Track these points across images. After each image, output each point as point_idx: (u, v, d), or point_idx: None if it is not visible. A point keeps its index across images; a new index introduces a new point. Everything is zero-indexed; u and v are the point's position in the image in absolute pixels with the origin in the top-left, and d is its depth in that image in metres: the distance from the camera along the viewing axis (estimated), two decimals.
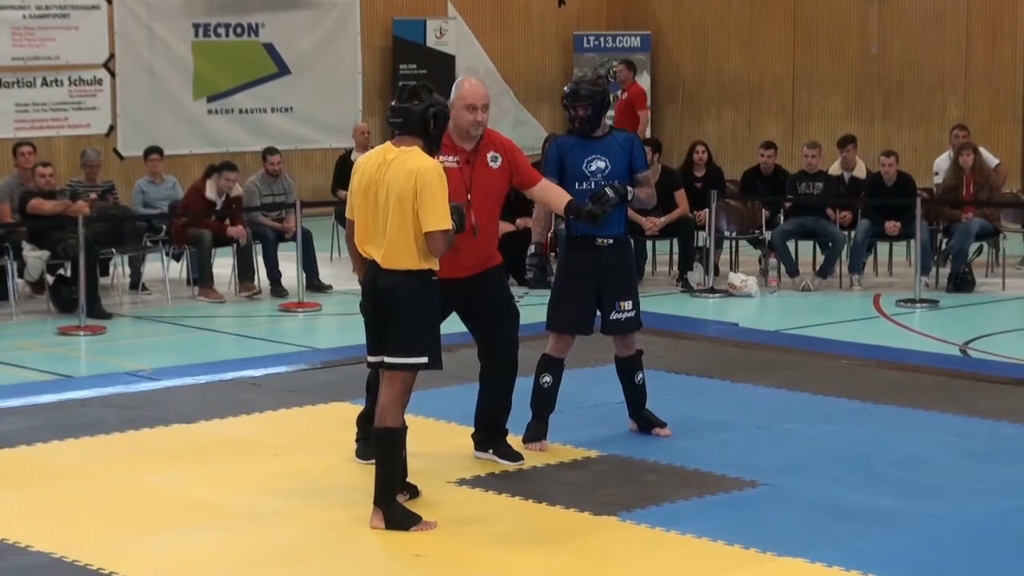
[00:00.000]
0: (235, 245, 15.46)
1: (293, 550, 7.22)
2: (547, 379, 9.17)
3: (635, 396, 9.37)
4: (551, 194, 8.70)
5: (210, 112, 20.11)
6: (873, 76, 20.95)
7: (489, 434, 8.81)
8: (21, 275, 15.07)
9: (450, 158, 8.31)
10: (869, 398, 10.22)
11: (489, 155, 8.50)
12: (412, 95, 7.56)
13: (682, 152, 17.63)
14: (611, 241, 8.98)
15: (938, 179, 16.72)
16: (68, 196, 15.27)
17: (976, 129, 17.31)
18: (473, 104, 8.33)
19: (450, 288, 8.11)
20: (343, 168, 18.13)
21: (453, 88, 8.46)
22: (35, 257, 14.87)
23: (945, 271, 16.16)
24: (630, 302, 9.10)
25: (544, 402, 9.16)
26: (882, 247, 16.87)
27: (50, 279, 15.08)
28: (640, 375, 9.31)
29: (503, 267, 8.93)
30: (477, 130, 8.42)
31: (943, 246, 16.40)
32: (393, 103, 7.57)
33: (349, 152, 18.21)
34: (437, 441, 9.14)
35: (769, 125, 20.91)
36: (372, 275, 7.56)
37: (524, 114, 22.47)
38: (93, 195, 15.68)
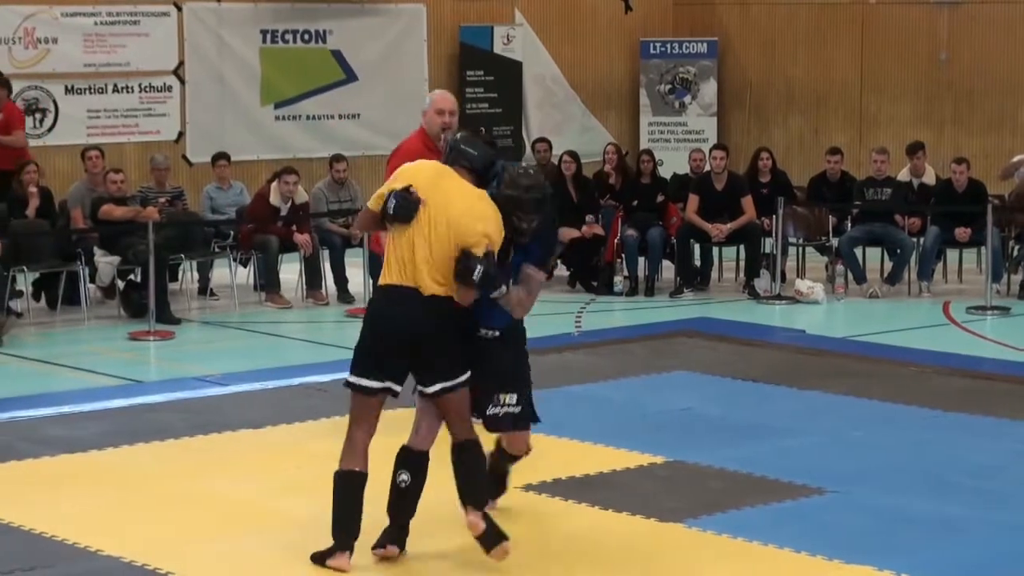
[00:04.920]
0: (301, 253, 15.53)
1: (356, 559, 7.23)
2: (404, 477, 7.26)
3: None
4: None
5: (277, 118, 20.17)
6: (943, 83, 20.83)
7: None
8: (93, 280, 15.19)
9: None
10: (938, 406, 10.17)
11: None
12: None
13: (748, 159, 17.58)
14: (497, 333, 7.41)
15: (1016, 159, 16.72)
16: (138, 202, 15.38)
17: None
18: (441, 109, 9.19)
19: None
20: None
21: (427, 98, 9.45)
22: (106, 262, 14.99)
23: (1016, 278, 16.13)
24: (515, 396, 7.43)
25: (400, 505, 7.30)
26: (951, 254, 16.77)
27: (121, 284, 15.19)
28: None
29: None
30: (446, 134, 8.70)
31: (1014, 253, 16.35)
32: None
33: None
34: None
35: (836, 131, 20.81)
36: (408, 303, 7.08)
37: (591, 120, 22.43)
38: (163, 201, 15.78)
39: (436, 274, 6.95)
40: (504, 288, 7.05)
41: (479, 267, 6.85)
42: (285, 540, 7.46)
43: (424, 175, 7.11)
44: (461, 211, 6.96)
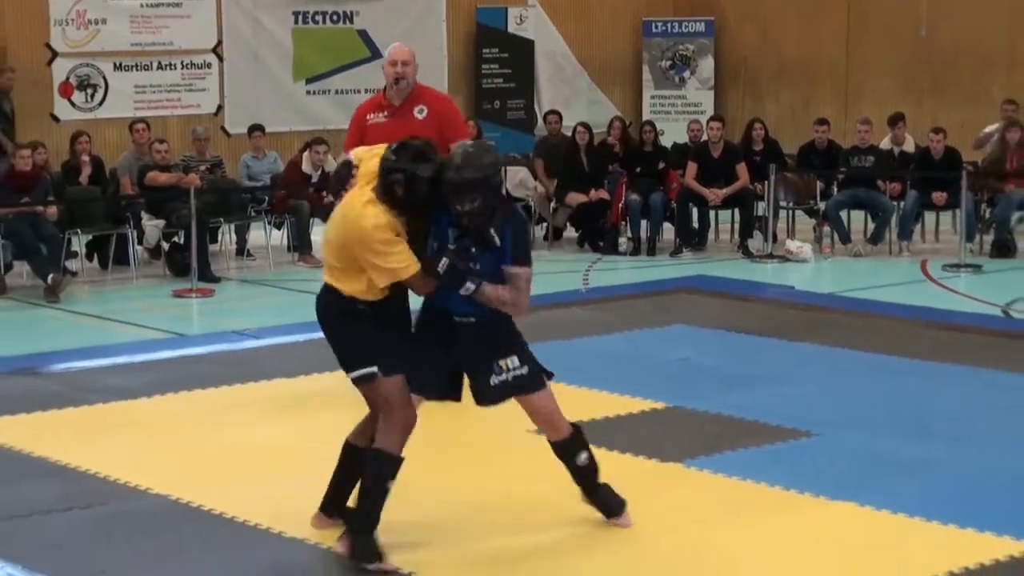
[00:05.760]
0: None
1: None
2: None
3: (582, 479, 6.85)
4: None
5: (308, 93, 20.17)
6: (923, 58, 20.76)
7: None
8: (140, 242, 15.25)
9: (379, 114, 8.77)
10: (916, 355, 10.20)
11: (415, 108, 8.75)
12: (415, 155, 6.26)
13: (742, 129, 17.58)
14: (472, 319, 6.48)
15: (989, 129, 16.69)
16: (181, 170, 15.43)
17: (1022, 106, 17.15)
18: (395, 60, 8.82)
19: None
20: None
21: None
22: (152, 226, 15.05)
23: (988, 238, 16.12)
24: (515, 357, 6.52)
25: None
26: (929, 216, 16.80)
27: (165, 246, 15.24)
28: (583, 455, 6.78)
29: None
30: (400, 84, 8.71)
31: (987, 215, 16.36)
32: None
33: None
34: None
35: (824, 104, 20.75)
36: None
37: (597, 94, 22.40)
38: (203, 168, 15.82)
39: (331, 259, 6.45)
40: (471, 285, 6.24)
41: (445, 260, 6.22)
42: (321, 481, 7.47)
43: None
44: (336, 215, 6.46)
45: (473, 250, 6.30)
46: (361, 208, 6.23)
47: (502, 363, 6.47)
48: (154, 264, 15.35)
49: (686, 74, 22.48)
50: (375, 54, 20.59)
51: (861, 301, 12.90)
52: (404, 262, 6.22)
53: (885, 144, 16.98)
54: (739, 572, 6.25)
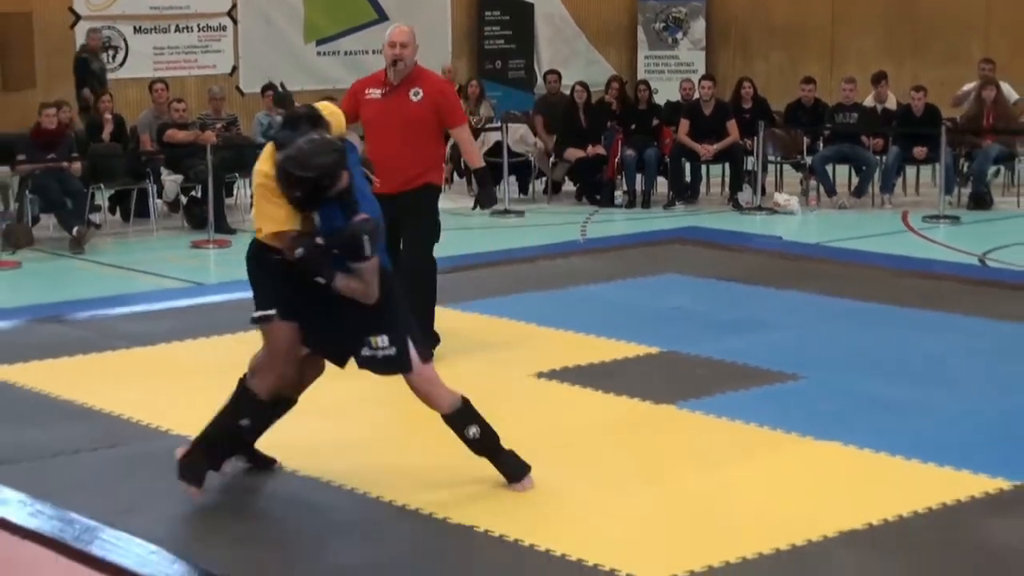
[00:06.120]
0: None
1: (394, 433, 7.25)
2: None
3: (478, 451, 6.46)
4: (466, 146, 8.88)
5: (319, 54, 20.11)
6: (904, 19, 20.72)
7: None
8: (160, 196, 15.24)
9: (376, 90, 8.67)
10: (898, 303, 10.20)
11: (412, 90, 8.62)
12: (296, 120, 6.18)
13: (733, 88, 17.54)
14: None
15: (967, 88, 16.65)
16: (198, 127, 15.41)
17: (998, 66, 17.10)
18: (393, 42, 8.59)
19: (382, 202, 8.28)
20: None
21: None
22: (171, 181, 15.06)
23: (966, 191, 16.12)
24: (386, 337, 6.21)
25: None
26: (910, 170, 16.81)
27: (184, 200, 15.25)
28: (472, 429, 6.40)
29: (431, 188, 8.73)
30: (398, 66, 8.57)
31: (965, 169, 16.35)
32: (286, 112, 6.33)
33: None
34: (521, 339, 9.21)
35: (810, 63, 20.66)
36: None
37: (594, 55, 22.32)
38: (219, 126, 15.79)
39: None
40: (322, 280, 6.04)
41: (301, 249, 5.98)
42: (335, 422, 7.49)
43: None
44: None
45: (335, 252, 6.01)
46: (267, 149, 6.16)
47: (373, 340, 6.17)
48: (173, 217, 15.35)
49: (679, 35, 22.40)
50: (382, 16, 20.55)
51: (845, 251, 12.90)
52: (269, 217, 6.07)
53: (868, 102, 16.96)
54: (729, 508, 6.27)
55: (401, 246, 8.59)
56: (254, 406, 6.33)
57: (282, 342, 6.28)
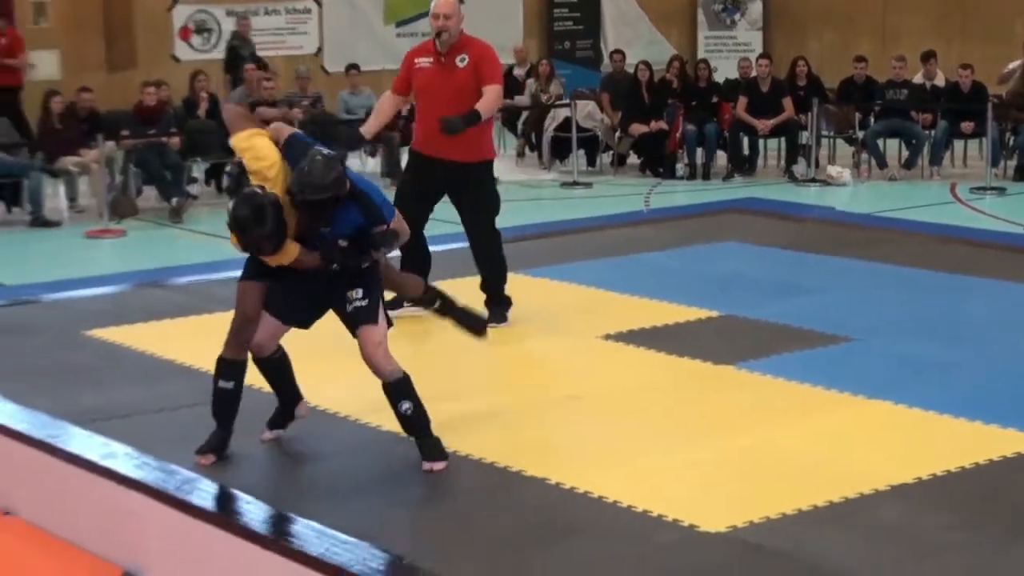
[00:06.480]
0: None
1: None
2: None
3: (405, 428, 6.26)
4: (488, 96, 8.41)
5: (398, 35, 20.14)
6: (953, 0, 20.52)
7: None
8: None
9: (426, 59, 8.56)
10: (946, 269, 10.12)
11: (458, 58, 8.53)
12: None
13: (788, 66, 17.41)
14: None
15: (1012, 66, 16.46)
16: (286, 104, 15.49)
17: None
18: (436, 14, 8.46)
19: (433, 166, 8.37)
20: (507, 81, 18.17)
21: None
22: None
23: (1011, 163, 15.97)
24: (361, 290, 6.12)
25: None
26: (958, 144, 16.66)
27: None
28: (405, 405, 6.14)
29: (484, 161, 8.63)
30: (443, 36, 8.47)
31: (1010, 143, 16.20)
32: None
33: (511, 68, 18.23)
34: (589, 303, 9.21)
35: (862, 42, 20.50)
36: None
37: (656, 35, 22.24)
38: (305, 104, 15.86)
39: None
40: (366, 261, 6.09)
41: (331, 259, 6.06)
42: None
43: None
44: None
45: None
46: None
47: (350, 293, 6.08)
48: None
49: (737, 16, 22.28)
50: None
51: (895, 220, 12.80)
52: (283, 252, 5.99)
53: (918, 79, 16.83)
54: (785, 463, 6.26)
55: (460, 219, 8.64)
56: (221, 365, 6.25)
57: (240, 298, 6.25)
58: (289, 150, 6.11)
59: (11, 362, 8.05)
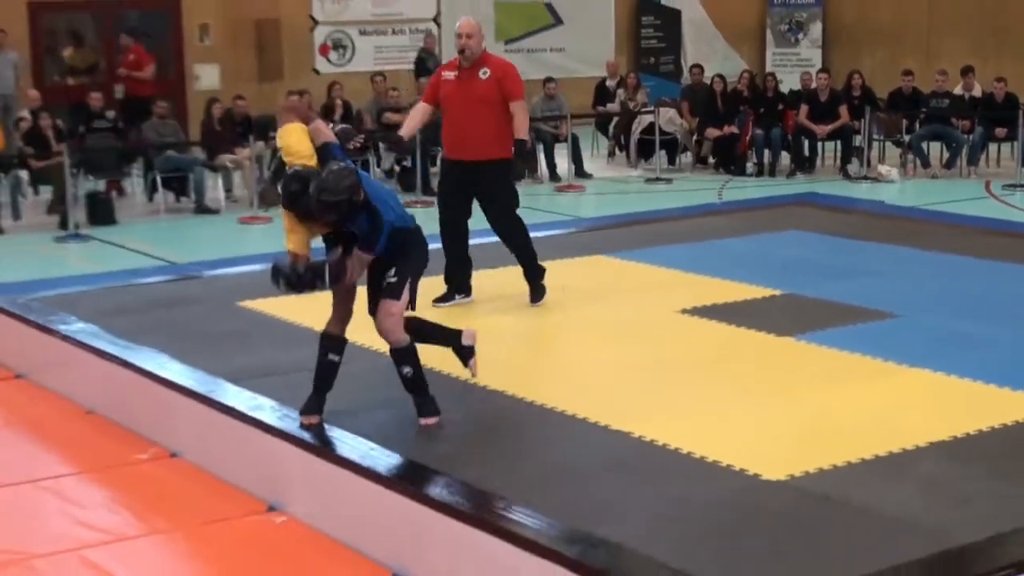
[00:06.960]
0: None
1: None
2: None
3: (405, 387, 6.23)
4: (518, 116, 8.31)
5: (507, 51, 20.09)
6: (989, 21, 20.14)
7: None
8: (379, 165, 15.42)
9: (451, 73, 8.46)
10: (981, 256, 9.94)
11: (481, 71, 8.41)
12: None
13: (844, 79, 17.21)
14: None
15: None
16: (342, 137, 15.49)
17: None
18: (459, 33, 8.37)
19: (458, 168, 8.32)
20: (600, 91, 18.18)
21: None
22: (388, 153, 15.21)
23: None
24: (394, 269, 6.10)
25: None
26: (992, 147, 16.38)
27: (397, 168, 15.40)
28: (406, 368, 6.16)
29: (502, 161, 8.42)
30: (466, 53, 8.35)
31: None
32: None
33: (604, 80, 18.19)
34: (669, 282, 9.16)
35: (909, 58, 20.19)
36: None
37: (730, 52, 22.05)
38: (359, 139, 15.85)
39: None
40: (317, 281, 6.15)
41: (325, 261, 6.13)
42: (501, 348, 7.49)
43: None
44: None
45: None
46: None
47: (388, 273, 6.08)
48: (388, 182, 15.50)
49: (800, 35, 22.05)
50: (557, 21, 20.54)
51: (937, 213, 12.60)
52: (298, 242, 6.06)
53: (958, 90, 16.59)
54: (837, 422, 6.19)
55: (484, 213, 8.55)
56: (322, 339, 6.25)
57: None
58: (320, 153, 6.15)
59: (177, 328, 8.14)
